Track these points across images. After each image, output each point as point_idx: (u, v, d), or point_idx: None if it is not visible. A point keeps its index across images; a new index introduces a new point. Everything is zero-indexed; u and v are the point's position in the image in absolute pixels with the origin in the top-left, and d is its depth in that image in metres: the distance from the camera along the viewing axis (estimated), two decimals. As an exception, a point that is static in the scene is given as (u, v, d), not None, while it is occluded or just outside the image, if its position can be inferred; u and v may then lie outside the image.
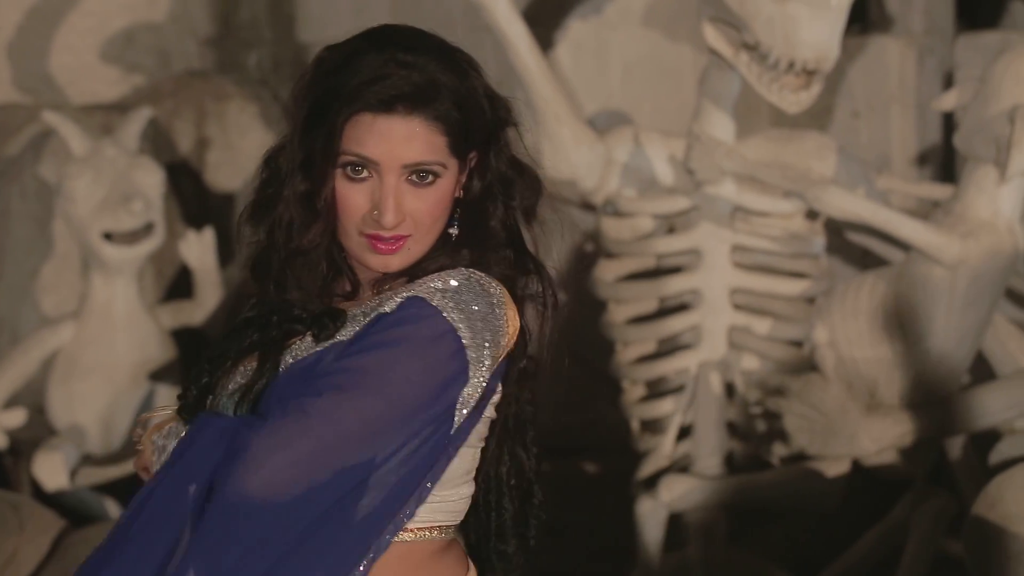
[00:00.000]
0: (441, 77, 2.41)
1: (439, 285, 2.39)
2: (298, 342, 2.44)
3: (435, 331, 2.36)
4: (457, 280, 2.41)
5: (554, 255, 2.58)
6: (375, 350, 2.34)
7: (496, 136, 2.48)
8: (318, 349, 2.41)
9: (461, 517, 2.49)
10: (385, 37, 2.45)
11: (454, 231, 2.47)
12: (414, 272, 2.44)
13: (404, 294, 2.40)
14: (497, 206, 2.49)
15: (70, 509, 5.15)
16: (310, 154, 2.42)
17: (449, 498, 2.44)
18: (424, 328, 2.35)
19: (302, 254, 2.44)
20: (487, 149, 2.47)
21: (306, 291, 2.45)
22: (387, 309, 2.39)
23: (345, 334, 2.40)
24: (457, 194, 2.47)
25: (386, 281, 2.46)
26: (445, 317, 2.36)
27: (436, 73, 2.41)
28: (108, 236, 5.31)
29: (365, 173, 2.40)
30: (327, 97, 2.41)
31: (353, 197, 2.41)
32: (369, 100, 2.38)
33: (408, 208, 2.39)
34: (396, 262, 2.43)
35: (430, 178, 2.41)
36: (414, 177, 2.40)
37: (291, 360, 2.42)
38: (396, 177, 2.39)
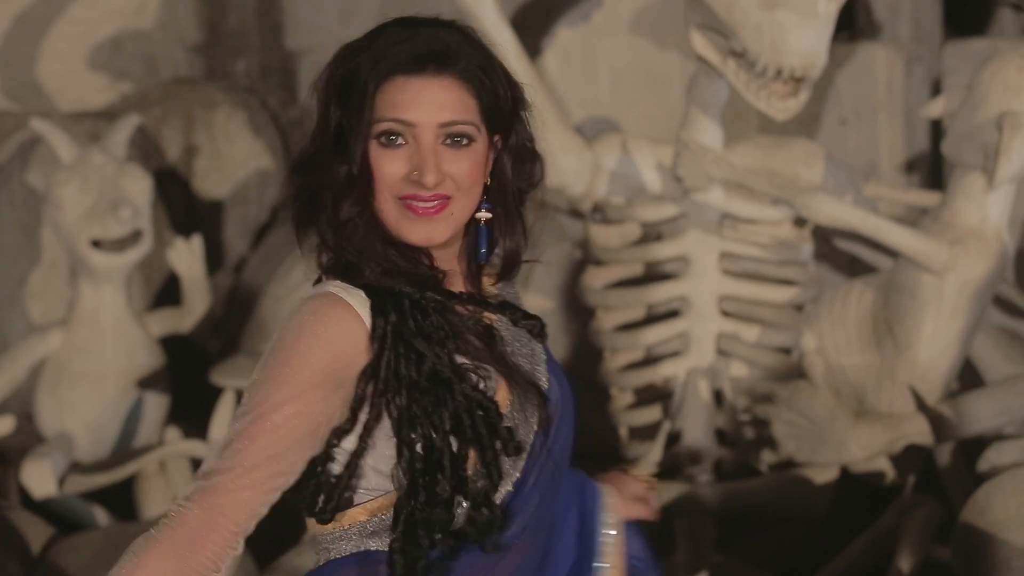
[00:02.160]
0: (466, 42, 2.40)
1: None
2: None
3: None
4: None
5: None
6: None
7: (518, 115, 2.46)
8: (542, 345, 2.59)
9: None
10: (404, 18, 2.43)
11: (483, 216, 2.45)
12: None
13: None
14: (520, 190, 2.49)
15: (58, 516, 5.14)
16: (341, 132, 2.37)
17: None
18: None
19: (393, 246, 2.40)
20: (511, 127, 2.45)
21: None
22: None
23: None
24: (484, 180, 2.44)
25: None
26: None
27: (460, 38, 2.40)
28: (96, 243, 5.30)
29: (400, 140, 2.36)
30: (353, 71, 2.37)
31: (389, 164, 2.37)
32: (399, 60, 2.34)
33: (447, 169, 2.36)
34: (441, 230, 2.39)
35: (465, 141, 2.38)
36: (449, 140, 2.37)
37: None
38: (433, 138, 2.36)
